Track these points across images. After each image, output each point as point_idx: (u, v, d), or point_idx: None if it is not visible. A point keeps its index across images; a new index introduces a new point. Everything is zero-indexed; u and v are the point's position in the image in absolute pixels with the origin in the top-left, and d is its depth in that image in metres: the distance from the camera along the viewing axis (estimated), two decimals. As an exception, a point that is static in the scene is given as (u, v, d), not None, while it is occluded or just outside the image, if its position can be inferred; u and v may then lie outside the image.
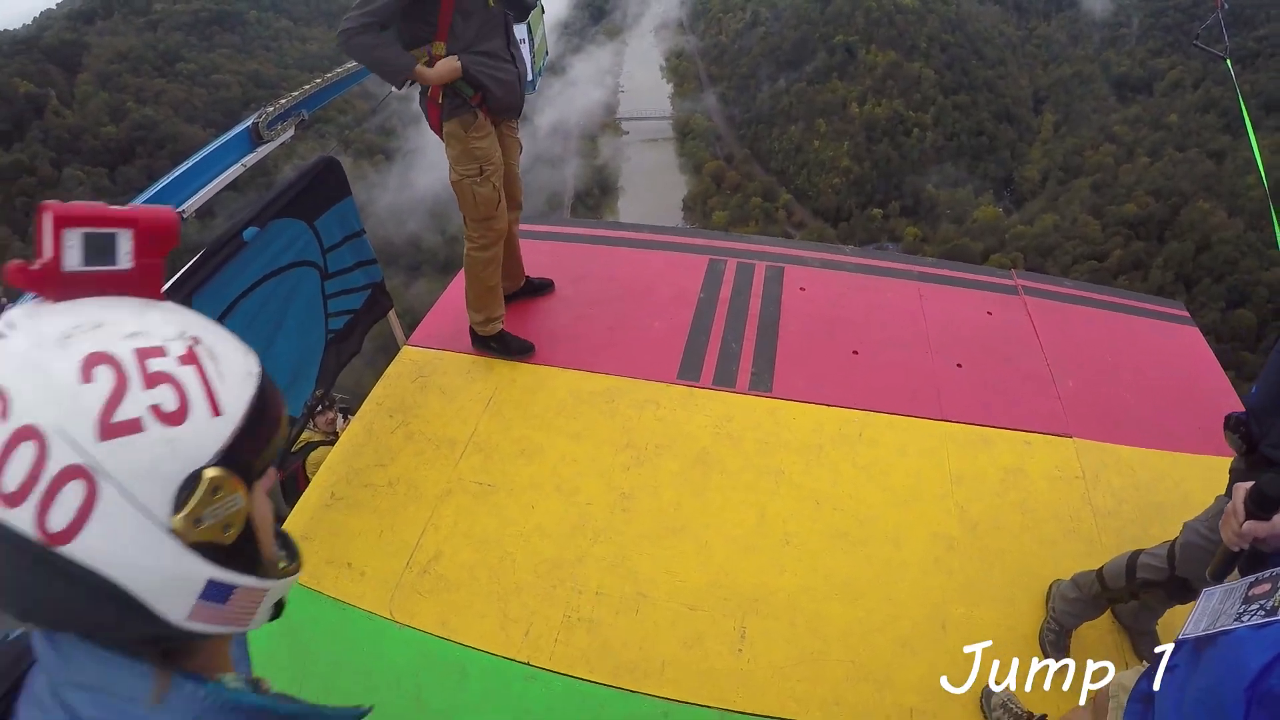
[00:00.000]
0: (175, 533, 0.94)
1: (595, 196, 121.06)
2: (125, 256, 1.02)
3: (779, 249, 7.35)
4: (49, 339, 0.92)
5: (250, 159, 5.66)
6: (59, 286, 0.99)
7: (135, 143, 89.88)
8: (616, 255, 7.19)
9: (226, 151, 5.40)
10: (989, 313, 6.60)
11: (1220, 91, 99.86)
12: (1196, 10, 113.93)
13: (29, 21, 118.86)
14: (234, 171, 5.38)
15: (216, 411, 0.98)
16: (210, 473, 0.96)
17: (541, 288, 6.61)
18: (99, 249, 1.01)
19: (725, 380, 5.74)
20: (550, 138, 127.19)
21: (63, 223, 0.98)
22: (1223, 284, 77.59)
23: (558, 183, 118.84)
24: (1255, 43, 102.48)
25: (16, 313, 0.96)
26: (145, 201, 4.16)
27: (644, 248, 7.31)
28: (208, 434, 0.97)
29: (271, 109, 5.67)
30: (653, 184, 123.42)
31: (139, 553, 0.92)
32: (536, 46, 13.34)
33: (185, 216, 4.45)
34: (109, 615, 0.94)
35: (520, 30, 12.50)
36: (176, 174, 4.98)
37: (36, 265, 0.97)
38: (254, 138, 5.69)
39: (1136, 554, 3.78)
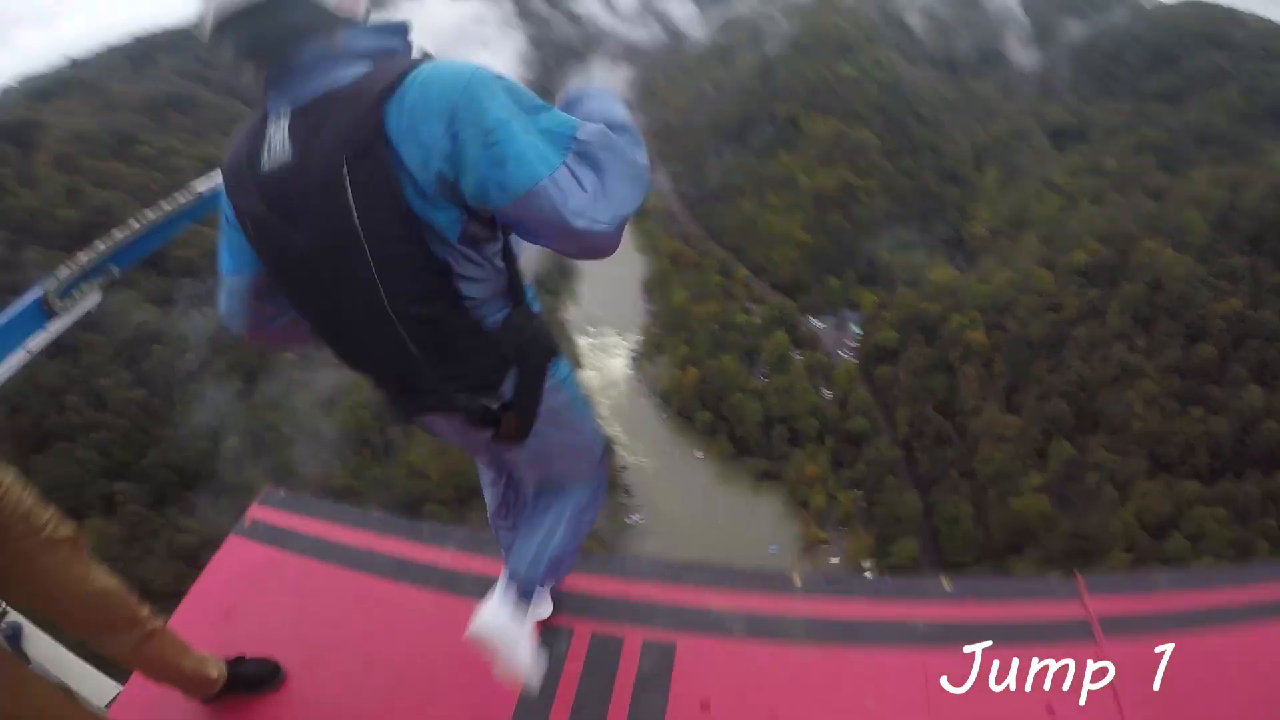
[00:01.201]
0: None
1: (555, 280, 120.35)
2: None
3: (671, 590, 4.18)
4: None
5: (38, 342, 4.53)
6: None
7: (93, 227, 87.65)
8: (379, 599, 4.20)
9: (8, 335, 4.28)
10: (1051, 710, 3.52)
11: (1153, 132, 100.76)
12: (1121, 55, 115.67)
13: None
14: (16, 362, 4.27)
15: None
16: None
17: (254, 681, 3.87)
18: None
19: None
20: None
21: None
22: (1180, 320, 77.72)
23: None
24: (1182, 80, 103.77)
25: None
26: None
27: (426, 584, 4.20)
28: None
29: (67, 271, 4.55)
30: (612, 265, 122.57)
31: None
32: None
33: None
34: None
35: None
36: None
37: None
38: (47, 309, 4.58)
39: None
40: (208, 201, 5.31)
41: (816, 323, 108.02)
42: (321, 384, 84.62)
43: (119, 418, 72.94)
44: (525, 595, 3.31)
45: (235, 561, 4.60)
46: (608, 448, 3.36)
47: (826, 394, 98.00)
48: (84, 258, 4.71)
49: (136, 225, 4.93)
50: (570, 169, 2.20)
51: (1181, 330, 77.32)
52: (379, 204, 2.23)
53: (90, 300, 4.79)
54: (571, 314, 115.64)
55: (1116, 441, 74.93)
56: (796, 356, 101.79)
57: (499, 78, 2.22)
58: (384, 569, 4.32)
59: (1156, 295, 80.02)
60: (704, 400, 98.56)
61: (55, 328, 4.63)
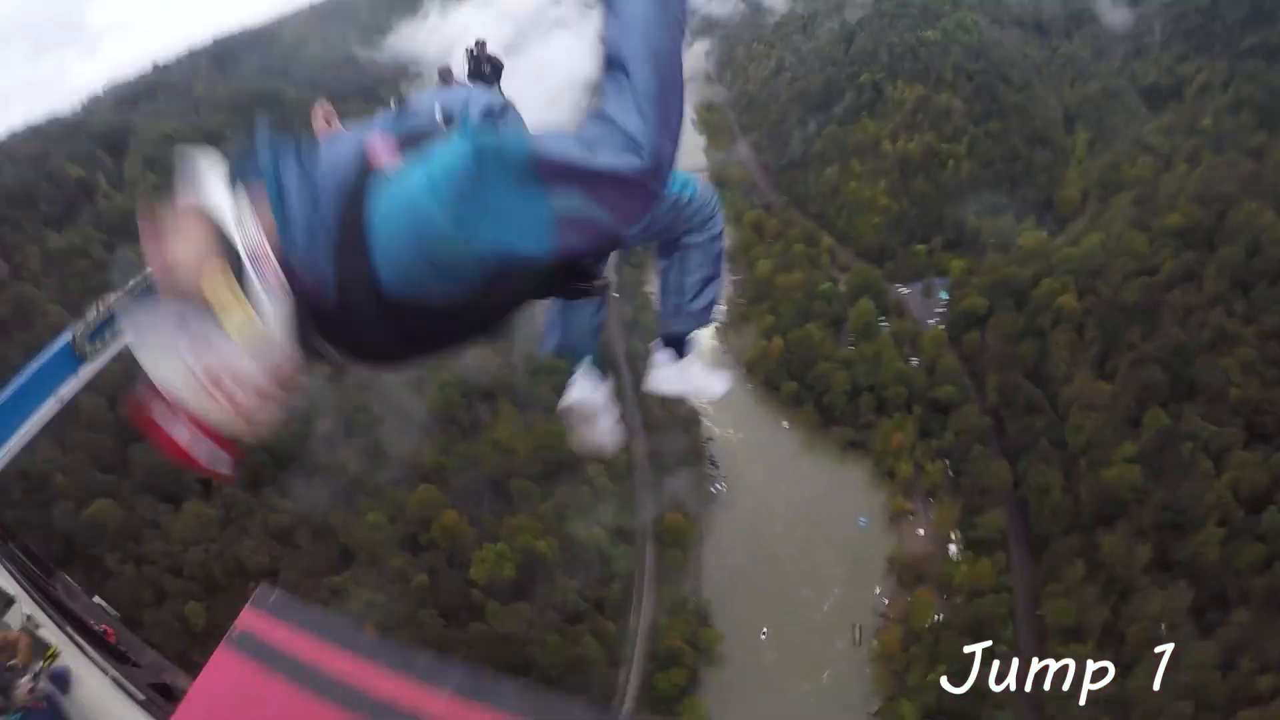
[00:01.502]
0: None
1: (638, 254, 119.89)
2: None
3: None
4: None
5: (70, 388, 4.60)
6: None
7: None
8: None
9: (39, 383, 4.41)
10: None
11: (1251, 89, 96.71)
12: (1216, 10, 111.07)
13: (78, 107, 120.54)
14: (47, 411, 4.38)
15: None
16: None
17: None
18: None
19: None
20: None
21: None
22: (1279, 287, 74.32)
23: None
24: (1279, 36, 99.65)
25: None
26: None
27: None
28: None
29: (93, 315, 4.60)
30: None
31: None
32: None
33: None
34: None
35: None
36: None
37: None
38: (78, 354, 4.70)
39: None
40: None
41: (903, 290, 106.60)
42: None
43: (214, 405, 74.93)
44: (681, 349, 4.27)
45: (222, 680, 4.51)
46: (700, 183, 3.83)
47: (914, 361, 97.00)
48: (112, 298, 4.85)
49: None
50: (561, 210, 2.18)
51: (1281, 296, 74.17)
52: (464, 330, 2.62)
53: (122, 341, 4.93)
54: (654, 286, 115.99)
55: (1213, 410, 72.68)
56: (883, 324, 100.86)
57: (430, 188, 2.17)
58: (370, 711, 4.02)
59: (1255, 259, 76.91)
60: (790, 370, 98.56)
61: (86, 372, 4.77)
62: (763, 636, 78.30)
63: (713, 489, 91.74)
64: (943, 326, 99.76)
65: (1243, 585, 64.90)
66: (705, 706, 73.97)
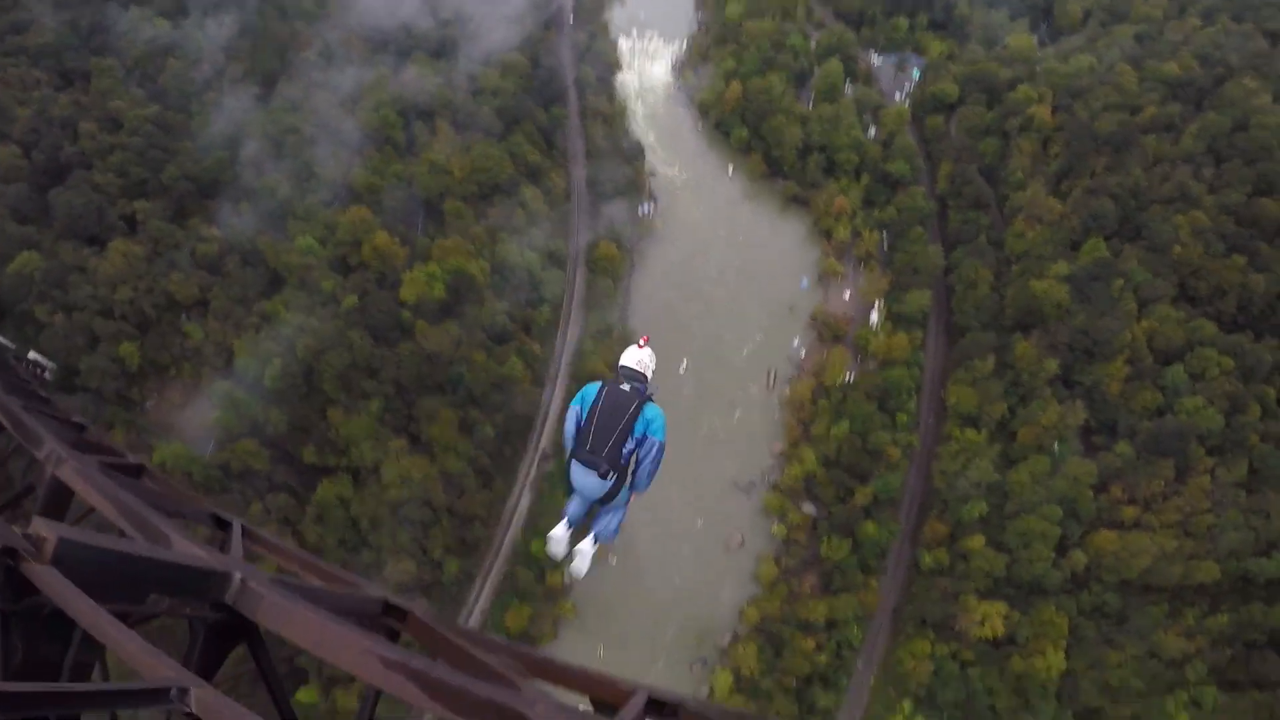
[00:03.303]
0: None
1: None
2: None
3: None
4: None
5: None
6: None
7: None
8: None
9: None
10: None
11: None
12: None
13: None
14: None
15: None
16: None
17: None
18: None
19: None
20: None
21: None
22: (1254, 168, 75.47)
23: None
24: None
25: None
26: None
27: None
28: None
29: None
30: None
31: None
32: None
33: None
34: None
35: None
36: None
37: None
38: None
39: None
40: None
41: (876, 60, 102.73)
42: (344, 83, 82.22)
43: (134, 137, 70.61)
44: (597, 541, 9.62)
45: None
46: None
47: (872, 132, 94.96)
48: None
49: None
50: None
51: (1252, 178, 74.99)
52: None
53: None
54: (616, 14, 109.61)
55: (1151, 259, 74.84)
56: (848, 89, 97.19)
57: (661, 448, 9.36)
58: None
59: (1237, 135, 77.10)
60: (744, 117, 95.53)
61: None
62: (681, 370, 78.91)
63: (640, 210, 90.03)
64: (908, 104, 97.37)
65: (1132, 424, 69.53)
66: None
